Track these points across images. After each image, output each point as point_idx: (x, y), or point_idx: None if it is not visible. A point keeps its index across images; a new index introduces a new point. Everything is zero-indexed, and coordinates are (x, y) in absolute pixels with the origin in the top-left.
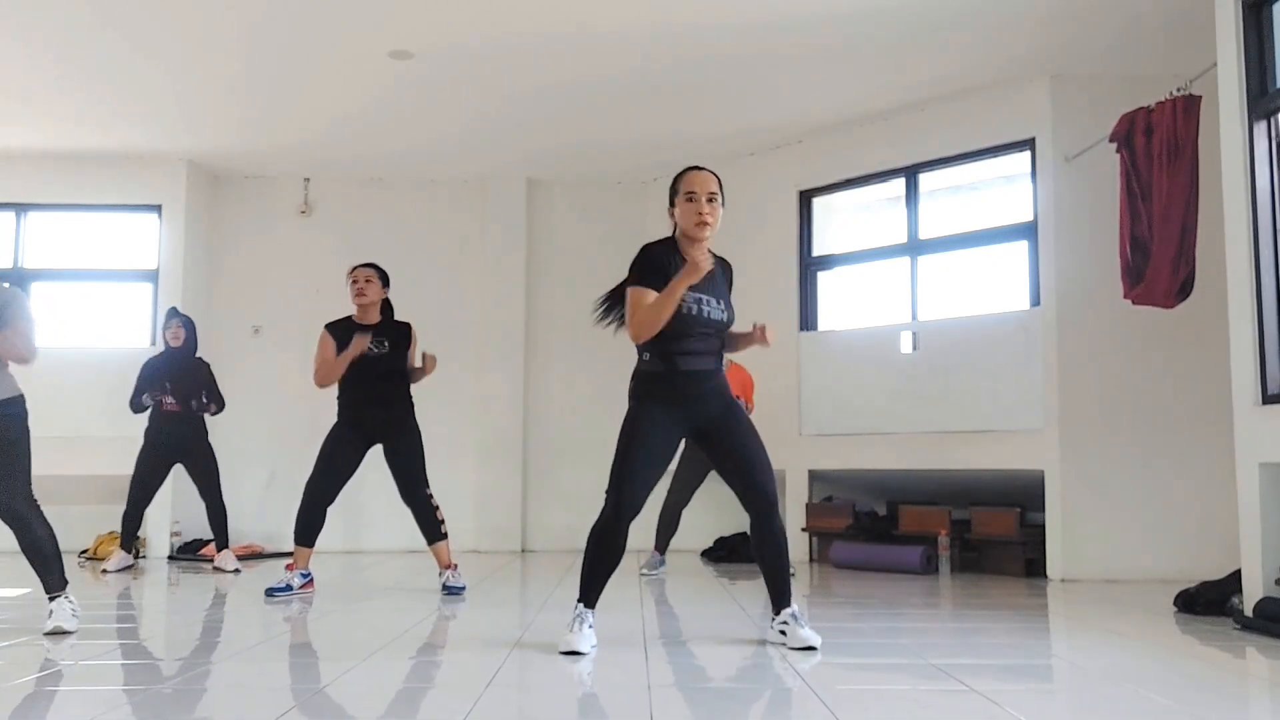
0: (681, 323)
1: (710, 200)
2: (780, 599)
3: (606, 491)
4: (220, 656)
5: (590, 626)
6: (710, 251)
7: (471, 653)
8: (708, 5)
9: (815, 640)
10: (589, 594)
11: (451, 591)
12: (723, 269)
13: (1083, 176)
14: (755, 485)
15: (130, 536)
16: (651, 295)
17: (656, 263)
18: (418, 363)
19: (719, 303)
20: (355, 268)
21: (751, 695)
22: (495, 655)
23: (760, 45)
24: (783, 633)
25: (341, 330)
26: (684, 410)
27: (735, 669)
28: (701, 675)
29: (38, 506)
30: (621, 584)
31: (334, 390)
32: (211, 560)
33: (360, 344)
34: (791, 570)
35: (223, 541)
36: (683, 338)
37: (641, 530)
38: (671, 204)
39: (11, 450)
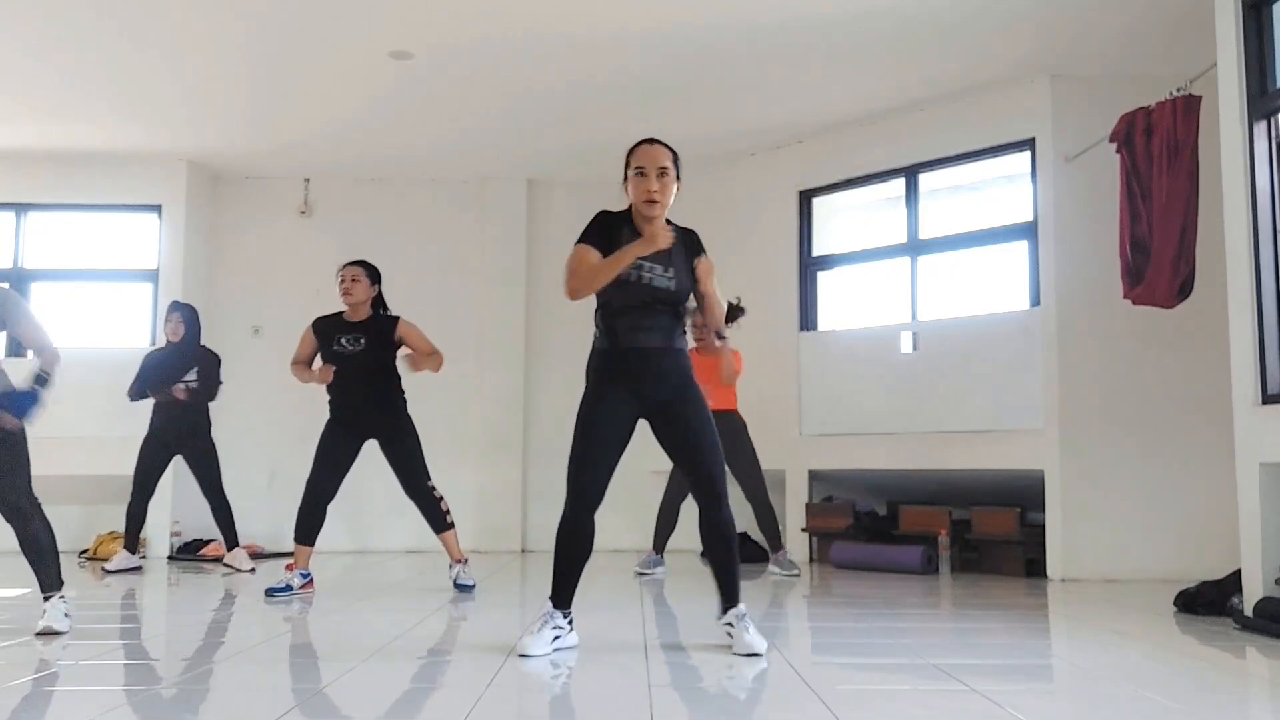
0: (622, 291)
1: (661, 175)
2: (729, 595)
3: (566, 483)
4: (220, 657)
5: (556, 628)
6: (671, 223)
7: (472, 653)
8: (708, 6)
9: (760, 647)
10: (559, 592)
11: (462, 588)
12: (684, 238)
13: (1083, 176)
14: (703, 476)
15: (134, 535)
16: (594, 255)
17: (605, 228)
18: (420, 357)
19: (666, 270)
20: (343, 266)
21: (751, 695)
22: (496, 655)
23: (760, 45)
24: (729, 634)
25: (326, 326)
26: (633, 389)
27: (735, 669)
28: (701, 675)
29: (39, 504)
30: (621, 584)
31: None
32: (219, 559)
33: (325, 374)
34: (796, 572)
35: (232, 540)
36: (625, 308)
37: (641, 530)
38: (625, 178)
39: (14, 448)
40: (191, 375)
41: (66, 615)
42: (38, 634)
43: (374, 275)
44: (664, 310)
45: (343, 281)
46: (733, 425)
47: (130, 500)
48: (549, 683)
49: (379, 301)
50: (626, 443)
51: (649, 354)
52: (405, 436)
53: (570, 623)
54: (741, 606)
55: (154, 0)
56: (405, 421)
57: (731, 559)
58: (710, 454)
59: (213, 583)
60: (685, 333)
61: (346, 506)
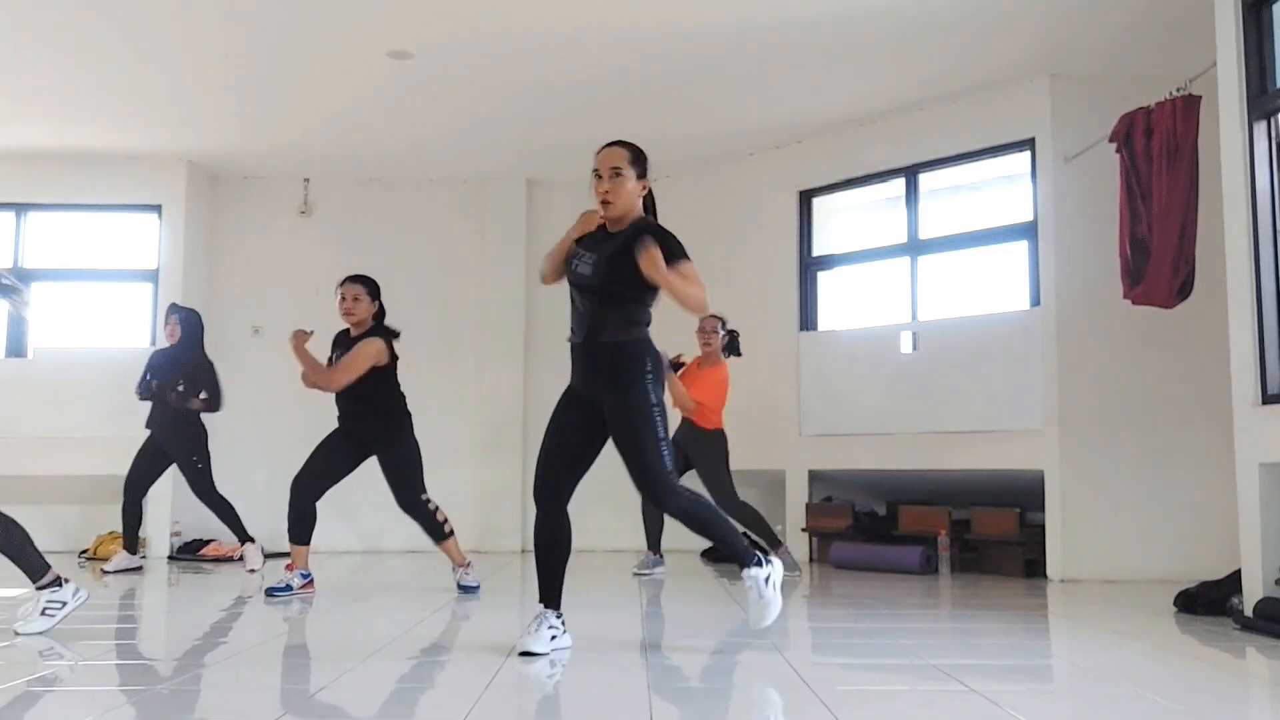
0: (565, 279)
1: (614, 175)
2: (732, 559)
3: None
4: (220, 657)
5: (551, 627)
6: (645, 220)
7: (471, 653)
8: (708, 5)
9: (764, 617)
10: (544, 592)
11: (466, 590)
12: (634, 234)
13: (1083, 176)
14: (633, 467)
15: (131, 535)
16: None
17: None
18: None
19: (591, 258)
20: (342, 282)
21: (751, 695)
22: (495, 656)
23: (760, 45)
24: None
25: (335, 341)
26: (577, 384)
27: (735, 669)
28: (701, 676)
29: None
30: (621, 584)
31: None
32: (219, 559)
33: (299, 339)
34: (797, 571)
35: (243, 536)
36: (570, 299)
37: (641, 530)
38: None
39: None
40: (181, 385)
41: (46, 612)
42: (16, 631)
43: (374, 291)
44: (590, 300)
45: (343, 300)
46: (699, 436)
47: (123, 500)
48: (548, 683)
49: (381, 314)
50: (585, 440)
51: (578, 348)
52: (400, 448)
53: (562, 623)
54: (753, 569)
55: (154, 1)
56: (400, 433)
57: (708, 531)
58: (638, 446)
59: (212, 583)
60: (628, 324)
61: (350, 507)
